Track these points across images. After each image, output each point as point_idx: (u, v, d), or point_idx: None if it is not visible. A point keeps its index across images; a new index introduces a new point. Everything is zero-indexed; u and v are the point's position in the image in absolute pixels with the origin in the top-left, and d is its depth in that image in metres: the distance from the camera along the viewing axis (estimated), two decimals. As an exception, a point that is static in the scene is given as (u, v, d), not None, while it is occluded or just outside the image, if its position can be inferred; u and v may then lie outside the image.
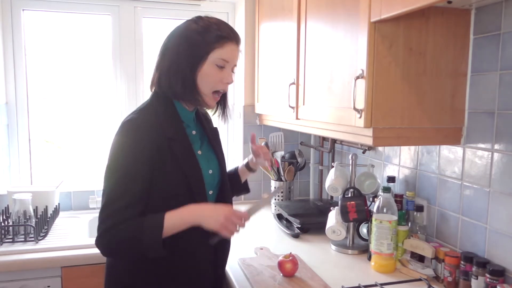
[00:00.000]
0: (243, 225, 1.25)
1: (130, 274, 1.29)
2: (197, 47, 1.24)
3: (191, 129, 1.35)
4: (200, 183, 1.29)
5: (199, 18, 1.29)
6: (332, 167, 1.83)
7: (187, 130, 1.32)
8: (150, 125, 1.22)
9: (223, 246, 1.39)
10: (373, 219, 1.53)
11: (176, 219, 1.20)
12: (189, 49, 1.24)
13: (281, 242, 1.83)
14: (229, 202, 1.45)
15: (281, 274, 1.45)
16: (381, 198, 1.52)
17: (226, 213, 1.21)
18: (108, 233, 1.16)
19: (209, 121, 1.49)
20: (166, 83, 1.27)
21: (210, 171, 1.36)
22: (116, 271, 1.32)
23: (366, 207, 1.66)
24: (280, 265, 1.45)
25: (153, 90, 1.34)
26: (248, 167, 1.58)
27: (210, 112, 1.47)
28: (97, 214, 1.21)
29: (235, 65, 1.32)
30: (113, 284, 1.34)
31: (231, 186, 1.51)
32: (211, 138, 1.43)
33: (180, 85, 1.25)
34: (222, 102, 1.40)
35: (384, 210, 1.51)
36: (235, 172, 1.59)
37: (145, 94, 2.45)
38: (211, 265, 1.36)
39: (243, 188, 1.62)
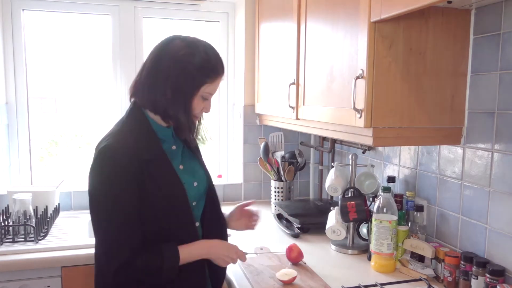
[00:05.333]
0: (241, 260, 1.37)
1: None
2: (192, 79, 1.25)
3: (170, 144, 1.33)
4: (183, 198, 1.29)
5: (187, 41, 1.27)
6: (332, 167, 1.83)
7: (164, 146, 1.30)
8: (126, 150, 1.20)
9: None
10: (373, 219, 1.53)
11: (189, 256, 1.26)
12: (184, 79, 1.24)
13: (281, 242, 1.82)
14: (219, 208, 1.46)
15: (288, 261, 1.57)
16: (381, 198, 1.52)
17: (234, 257, 1.33)
18: (123, 269, 1.19)
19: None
20: (161, 102, 1.26)
21: (195, 183, 1.35)
22: (104, 282, 1.33)
23: (366, 207, 1.66)
24: (289, 250, 1.57)
25: (132, 103, 1.32)
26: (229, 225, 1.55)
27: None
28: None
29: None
30: None
31: None
32: (194, 151, 1.43)
33: (176, 108, 1.26)
34: (198, 124, 1.42)
35: (384, 210, 1.51)
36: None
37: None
38: (204, 279, 1.37)
39: None
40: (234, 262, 1.34)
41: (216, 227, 1.43)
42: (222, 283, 1.46)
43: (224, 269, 1.45)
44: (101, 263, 1.29)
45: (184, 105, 1.26)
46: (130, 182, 1.19)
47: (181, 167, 1.34)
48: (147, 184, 1.22)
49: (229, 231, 1.57)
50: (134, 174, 1.20)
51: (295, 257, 1.57)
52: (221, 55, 1.33)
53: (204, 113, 1.38)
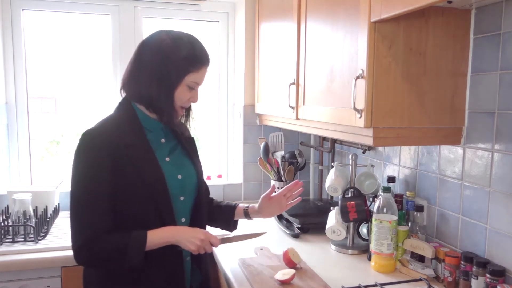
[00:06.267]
0: (211, 250, 1.34)
1: (105, 279, 1.30)
2: (176, 67, 1.27)
3: (158, 137, 1.36)
4: (162, 187, 1.29)
5: (172, 34, 1.30)
6: (332, 167, 1.83)
7: (150, 136, 1.33)
8: (107, 135, 1.25)
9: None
10: (373, 219, 1.53)
11: (157, 238, 1.25)
12: (167, 68, 1.27)
13: (281, 242, 1.83)
14: (203, 208, 1.45)
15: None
16: (381, 198, 1.52)
17: (202, 237, 1.29)
18: (86, 246, 1.21)
19: (183, 129, 1.47)
20: (146, 93, 1.29)
21: (179, 176, 1.35)
22: (92, 277, 1.34)
23: (366, 207, 1.66)
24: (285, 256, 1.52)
25: (122, 97, 1.37)
26: (247, 213, 1.56)
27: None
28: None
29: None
30: None
31: (220, 218, 1.56)
32: (186, 146, 1.43)
33: (159, 97, 1.28)
34: (186, 113, 1.44)
35: (384, 210, 1.51)
36: (232, 208, 1.57)
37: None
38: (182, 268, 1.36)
39: (232, 225, 1.59)
40: (205, 245, 1.29)
41: (201, 225, 1.42)
42: (207, 270, 1.46)
43: (205, 255, 1.43)
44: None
45: (167, 94, 1.28)
46: (104, 165, 1.22)
47: (167, 159, 1.35)
48: (126, 168, 1.24)
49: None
50: (111, 157, 1.23)
51: (287, 262, 1.53)
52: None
53: (192, 104, 1.40)
